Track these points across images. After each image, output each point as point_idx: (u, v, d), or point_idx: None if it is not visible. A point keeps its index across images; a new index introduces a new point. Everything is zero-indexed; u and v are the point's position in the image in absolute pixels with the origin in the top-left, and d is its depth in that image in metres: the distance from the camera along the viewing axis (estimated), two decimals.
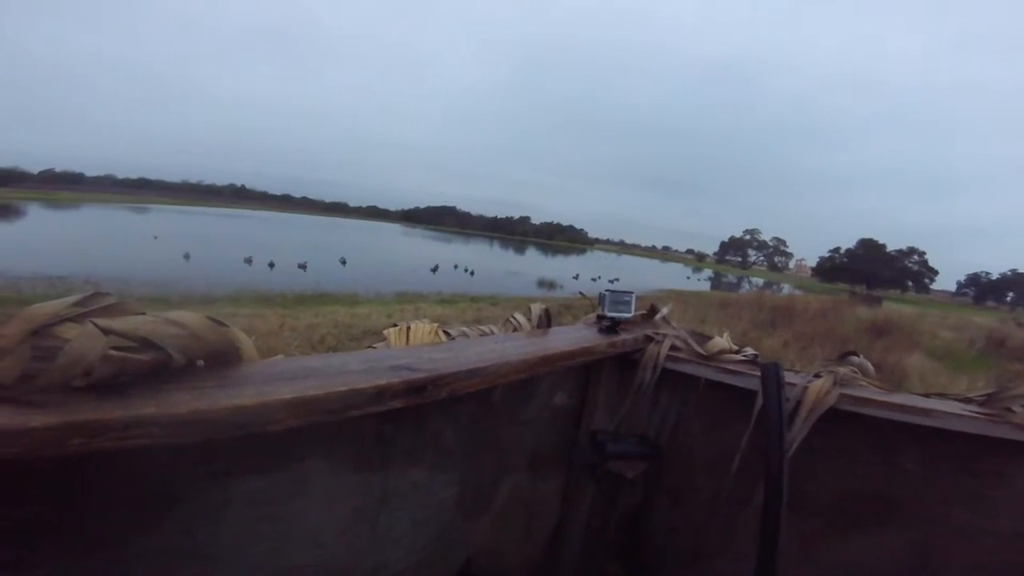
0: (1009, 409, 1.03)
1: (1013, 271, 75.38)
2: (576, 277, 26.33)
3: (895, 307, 24.84)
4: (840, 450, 1.14)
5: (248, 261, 17.36)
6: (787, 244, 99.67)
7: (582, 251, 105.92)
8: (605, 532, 1.42)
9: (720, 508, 1.27)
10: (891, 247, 72.97)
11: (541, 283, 20.40)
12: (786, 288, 54.84)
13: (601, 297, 1.35)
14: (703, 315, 11.70)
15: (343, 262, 20.44)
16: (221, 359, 0.67)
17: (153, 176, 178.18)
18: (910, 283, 71.35)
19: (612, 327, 1.33)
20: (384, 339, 1.13)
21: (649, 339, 1.36)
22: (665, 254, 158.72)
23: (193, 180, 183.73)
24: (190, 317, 0.62)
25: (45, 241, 19.27)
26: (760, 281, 69.09)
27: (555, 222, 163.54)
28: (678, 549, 1.38)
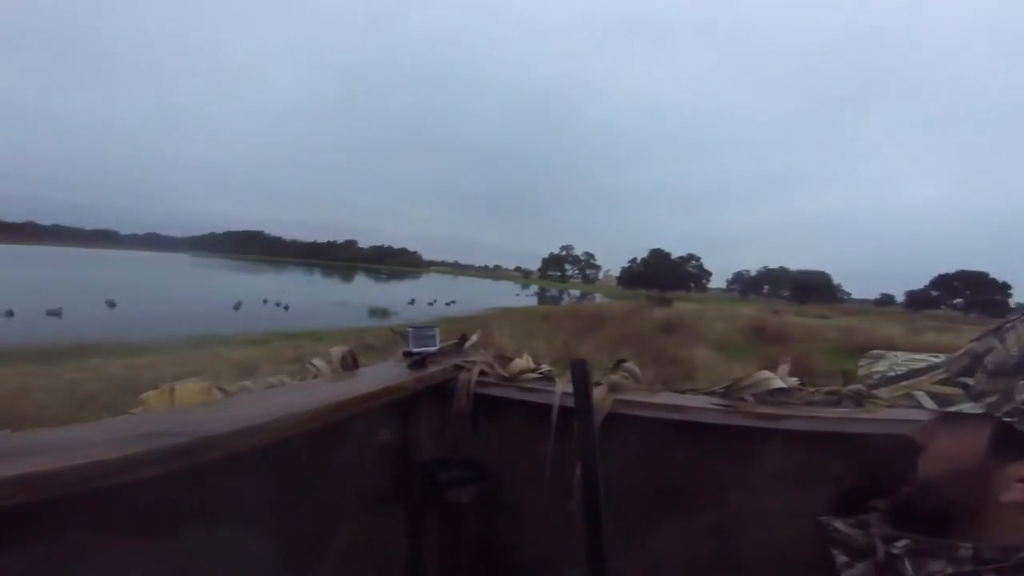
0: (742, 398, 1.32)
1: (766, 268, 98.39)
2: (412, 302, 26.04)
3: (682, 306, 30.20)
4: (626, 450, 1.33)
5: (55, 313, 13.38)
6: (595, 257, 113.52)
7: (416, 275, 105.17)
8: (456, 560, 1.45)
9: (551, 516, 1.35)
10: (675, 254, 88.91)
11: (373, 312, 19.66)
12: (598, 297, 62.36)
13: (405, 334, 1.38)
14: (530, 329, 12.62)
15: (111, 304, 16.82)
16: None
17: None
18: (692, 284, 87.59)
19: (420, 361, 1.36)
20: (143, 404, 0.96)
21: (459, 368, 1.43)
22: (496, 272, 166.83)
23: None
24: None
25: None
26: (576, 293, 77.39)
27: (386, 245, 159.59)
28: (524, 563, 1.46)
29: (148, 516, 0.74)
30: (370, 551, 1.24)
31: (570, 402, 1.32)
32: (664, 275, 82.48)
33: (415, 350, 1.36)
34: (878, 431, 1.20)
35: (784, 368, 1.52)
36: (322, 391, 1.06)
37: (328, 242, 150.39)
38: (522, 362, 1.49)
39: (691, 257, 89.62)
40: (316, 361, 1.28)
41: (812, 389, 1.43)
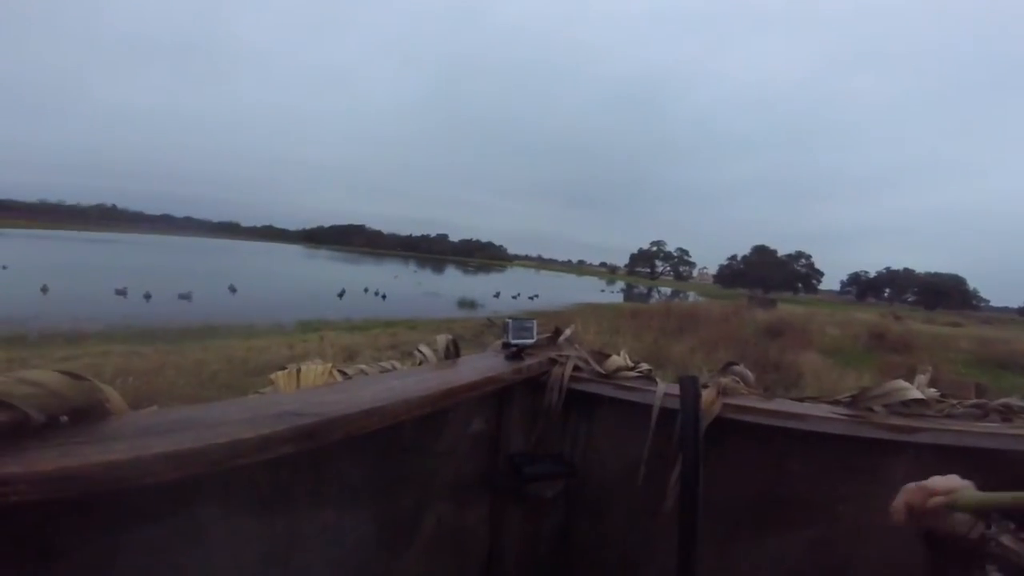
0: (871, 409, 1.20)
1: (888, 269, 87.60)
2: (497, 295, 26.62)
3: (788, 308, 27.86)
4: (731, 456, 1.26)
5: (122, 292, 15.56)
6: (690, 254, 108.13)
7: (502, 268, 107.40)
8: (535, 553, 1.46)
9: (637, 518, 1.35)
10: (781, 252, 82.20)
11: (462, 303, 20.37)
12: (691, 296, 59.44)
13: (505, 326, 1.42)
14: (617, 326, 12.34)
15: (232, 290, 18.94)
16: (86, 415, 0.65)
17: (3, 196, 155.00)
18: (800, 285, 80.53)
19: (517, 353, 1.39)
20: (271, 384, 1.08)
21: (553, 362, 1.44)
22: (580, 268, 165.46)
23: (52, 199, 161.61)
24: (45, 375, 0.61)
25: None
26: (668, 291, 74.29)
27: (474, 239, 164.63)
28: (604, 562, 1.45)
29: (267, 495, 0.81)
30: (454, 537, 1.27)
31: (671, 403, 1.28)
32: (769, 274, 76.50)
33: (513, 342, 1.40)
34: None
35: (923, 378, 1.35)
36: (429, 378, 1.11)
37: (423, 235, 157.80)
38: (619, 359, 1.46)
39: (800, 255, 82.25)
40: (423, 348, 1.35)
41: (954, 402, 1.26)
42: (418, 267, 71.05)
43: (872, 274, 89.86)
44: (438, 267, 77.79)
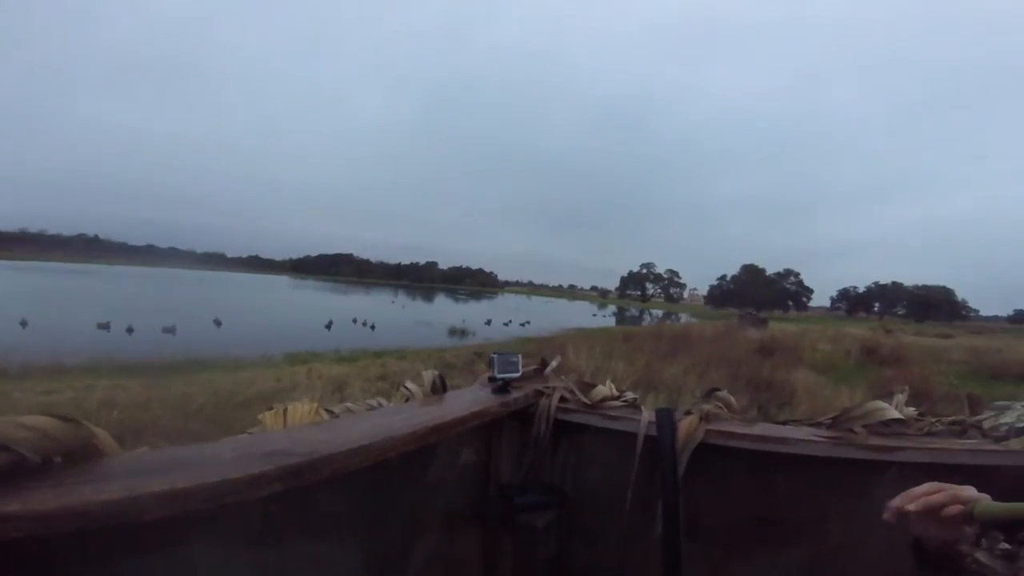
0: (851, 430, 1.24)
1: (876, 283, 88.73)
2: (488, 323, 26.61)
3: (779, 326, 28.10)
4: (718, 480, 1.30)
5: (104, 326, 15.34)
6: (680, 275, 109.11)
7: (493, 295, 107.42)
8: None
9: (628, 544, 1.38)
10: (770, 270, 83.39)
11: (452, 332, 20.31)
12: (683, 317, 59.75)
13: (491, 360, 1.46)
14: (610, 350, 12.36)
15: (218, 323, 18.73)
16: (79, 456, 0.68)
17: None
18: (790, 303, 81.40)
19: (504, 386, 1.43)
20: (260, 424, 1.10)
21: (540, 393, 1.48)
22: (572, 292, 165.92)
23: (33, 230, 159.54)
24: (39, 419, 0.64)
25: None
26: (659, 313, 74.73)
27: (464, 266, 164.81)
28: None
29: (257, 530, 0.83)
30: (447, 569, 1.29)
31: (655, 431, 1.32)
32: (758, 292, 77.36)
33: (499, 376, 1.44)
34: (1012, 463, 1.12)
35: (900, 397, 1.40)
36: (416, 415, 1.15)
37: (412, 263, 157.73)
38: (604, 389, 1.51)
39: (789, 272, 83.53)
40: (409, 384, 1.39)
41: (933, 419, 1.31)
42: (408, 296, 70.84)
43: (861, 289, 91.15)
44: (428, 295, 77.64)
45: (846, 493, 1.23)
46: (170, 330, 15.45)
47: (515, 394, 1.42)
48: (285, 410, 1.10)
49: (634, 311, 73.58)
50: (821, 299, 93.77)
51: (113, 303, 22.41)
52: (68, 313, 17.79)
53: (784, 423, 1.44)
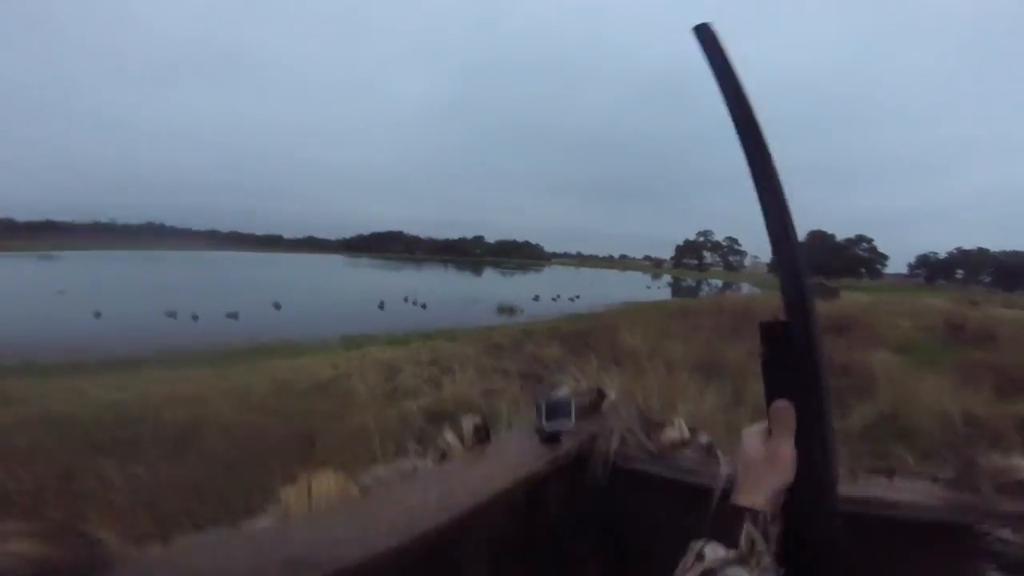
0: (978, 490, 1.03)
1: (959, 249, 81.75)
2: (536, 298, 26.53)
3: (852, 297, 26.43)
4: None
5: (171, 314, 16.39)
6: (740, 243, 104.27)
7: (540, 268, 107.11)
8: None
9: None
10: (840, 236, 78.14)
11: (501, 309, 20.37)
12: (744, 287, 57.40)
13: (538, 407, 1.29)
14: (665, 327, 11.98)
15: (277, 306, 19.61)
16: (84, 571, 0.63)
17: (59, 217, 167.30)
18: (863, 270, 76.38)
19: (554, 436, 1.27)
20: (281, 502, 1.01)
21: (595, 437, 1.31)
22: (623, 263, 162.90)
23: (104, 219, 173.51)
24: (30, 545, 0.59)
25: None
26: (718, 283, 72.08)
27: (511, 239, 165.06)
28: None
29: None
30: None
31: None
32: (827, 260, 72.96)
33: (548, 429, 1.26)
34: None
35: None
36: (455, 487, 1.03)
37: (459, 238, 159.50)
38: (674, 432, 1.31)
39: (861, 239, 77.93)
40: (448, 436, 1.25)
41: None
42: (456, 270, 71.88)
43: (942, 255, 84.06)
44: (476, 269, 78.47)
45: (967, 564, 1.04)
46: (233, 315, 16.34)
47: (567, 445, 1.27)
48: (309, 486, 1.00)
49: (690, 281, 71.35)
50: (897, 266, 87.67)
51: (179, 289, 23.94)
52: (139, 302, 19.12)
53: (889, 474, 1.21)
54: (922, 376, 7.44)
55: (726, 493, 1.15)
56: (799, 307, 0.68)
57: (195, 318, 15.91)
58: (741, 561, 0.61)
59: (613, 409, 1.46)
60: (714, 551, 0.62)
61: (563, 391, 1.36)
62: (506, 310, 20.16)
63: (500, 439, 1.32)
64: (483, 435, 1.27)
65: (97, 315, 15.98)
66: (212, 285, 28.78)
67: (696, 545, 0.64)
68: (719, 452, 1.26)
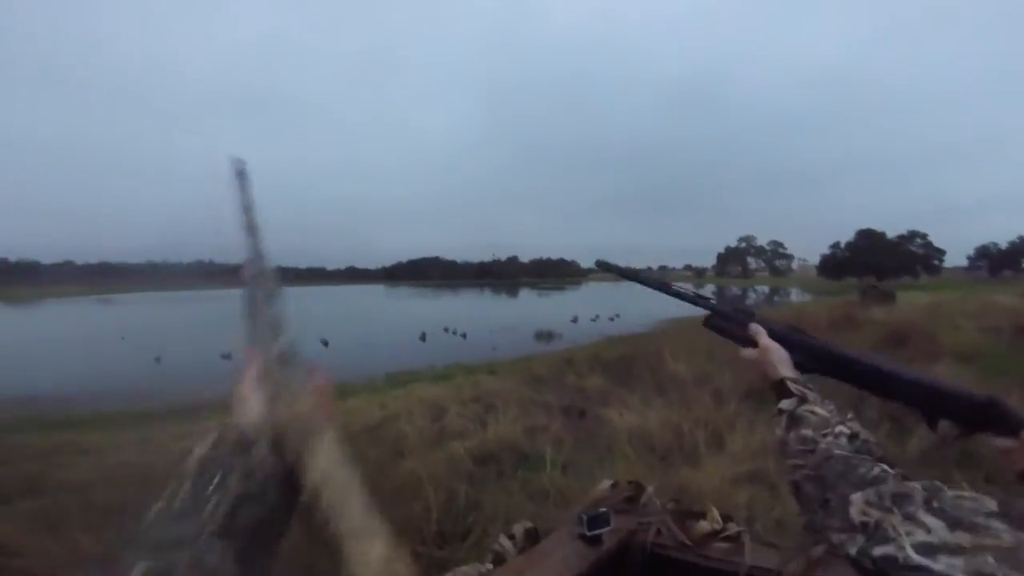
0: None
1: (1021, 237, 76.35)
2: (575, 320, 26.42)
3: (909, 297, 25.07)
4: None
5: (227, 356, 17.20)
6: (785, 246, 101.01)
7: (577, 284, 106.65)
8: None
9: None
10: (891, 233, 74.51)
11: (539, 336, 20.41)
12: (793, 293, 55.32)
13: (579, 519, 1.42)
14: (711, 348, 11.73)
15: (325, 343, 20.29)
16: None
17: (114, 259, 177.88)
18: (919, 267, 72.36)
19: (596, 538, 1.39)
20: None
21: (633, 532, 1.43)
22: (663, 274, 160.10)
23: (157, 260, 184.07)
24: None
25: (5, 350, 19.31)
26: (765, 289, 69.76)
27: (545, 258, 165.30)
28: None
29: None
30: None
31: (758, 573, 1.23)
32: (879, 259, 69.49)
33: (589, 534, 1.40)
34: None
35: None
36: None
37: (494, 260, 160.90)
38: (706, 525, 1.42)
39: (914, 235, 73.98)
40: (503, 541, 1.40)
41: None
42: (493, 293, 72.37)
43: (1003, 245, 78.55)
44: (512, 291, 78.78)
45: None
46: None
47: (608, 543, 1.39)
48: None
49: (735, 289, 69.32)
50: (956, 259, 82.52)
51: (232, 330, 25.06)
52: (195, 344, 20.15)
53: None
54: (990, 389, 7.02)
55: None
56: None
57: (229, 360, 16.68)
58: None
59: (651, 502, 1.58)
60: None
61: (602, 504, 1.48)
62: (544, 336, 20.15)
63: (548, 541, 1.45)
64: (533, 537, 1.41)
65: (157, 360, 16.94)
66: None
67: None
68: (747, 540, 1.36)
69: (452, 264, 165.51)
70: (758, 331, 0.91)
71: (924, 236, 73.83)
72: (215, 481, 0.57)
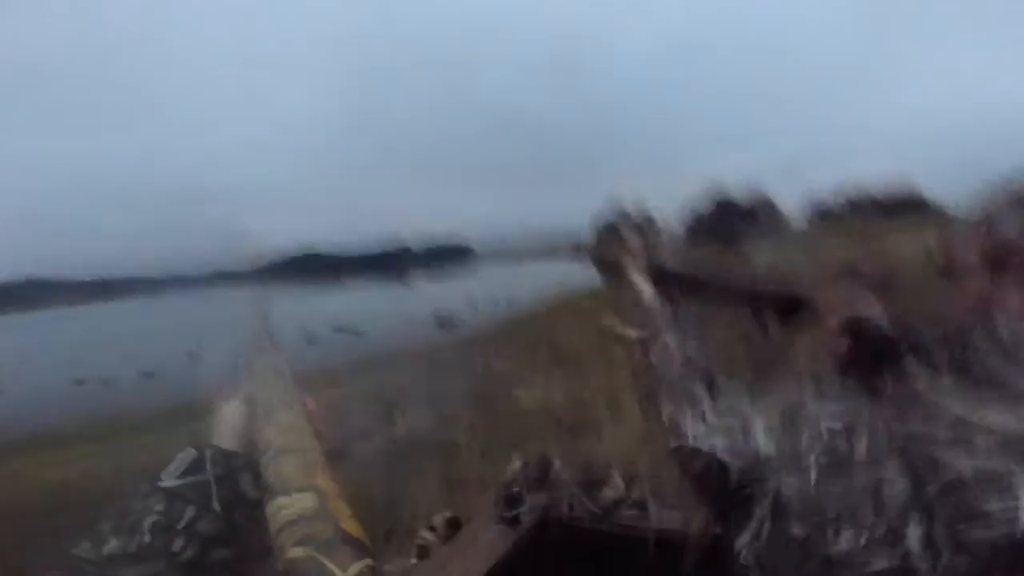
0: None
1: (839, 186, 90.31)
2: (472, 304, 26.57)
3: (761, 256, 28.44)
4: None
5: (80, 382, 15.32)
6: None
7: (474, 269, 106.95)
8: None
9: None
10: (739, 197, 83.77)
11: (440, 322, 20.27)
12: None
13: (495, 502, 1.46)
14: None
15: (194, 357, 18.46)
16: None
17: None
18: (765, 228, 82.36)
19: (516, 518, 1.44)
20: None
21: (547, 508, 1.50)
22: (552, 248, 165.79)
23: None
24: None
25: None
26: None
27: (437, 245, 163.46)
28: None
29: None
30: None
31: (668, 534, 1.37)
32: (731, 223, 78.02)
33: (508, 515, 1.42)
34: None
35: None
36: None
37: (382, 252, 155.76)
38: (611, 492, 1.52)
39: (757, 195, 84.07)
40: (425, 533, 1.42)
41: None
42: (385, 284, 70.29)
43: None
44: (405, 281, 77.10)
45: None
46: (149, 375, 15.19)
47: (526, 522, 1.45)
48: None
49: None
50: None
51: (80, 350, 21.88)
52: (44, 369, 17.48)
53: None
54: None
55: (658, 540, 1.37)
56: None
57: (106, 383, 14.78)
58: None
59: (559, 476, 1.66)
60: None
61: (515, 484, 1.52)
62: (445, 323, 20.10)
63: (469, 528, 1.48)
64: (455, 525, 1.43)
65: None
66: (117, 340, 26.47)
67: None
68: (650, 504, 1.49)
69: (336, 258, 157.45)
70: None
71: (768, 199, 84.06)
72: (185, 518, 0.50)
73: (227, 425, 0.58)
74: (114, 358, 17.39)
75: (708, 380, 0.81)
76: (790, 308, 0.90)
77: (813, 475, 0.57)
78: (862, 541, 0.53)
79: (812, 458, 0.58)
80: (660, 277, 0.97)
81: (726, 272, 0.93)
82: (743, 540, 0.59)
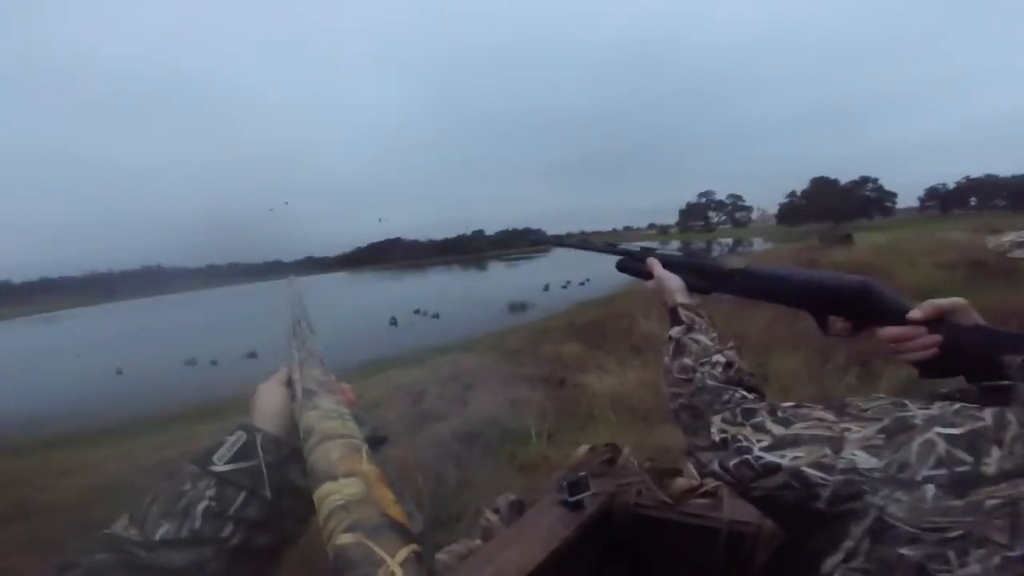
0: None
1: (967, 178, 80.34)
2: (546, 288, 26.61)
3: (869, 238, 26.18)
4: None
5: (191, 363, 16.68)
6: (744, 198, 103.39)
7: (546, 251, 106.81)
8: None
9: None
10: (844, 180, 77.14)
11: (512, 307, 20.45)
12: (756, 243, 56.95)
13: (559, 487, 1.46)
14: None
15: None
16: None
17: (55, 274, 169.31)
18: (874, 210, 75.43)
19: (578, 504, 1.43)
20: None
21: (614, 495, 1.46)
22: (628, 234, 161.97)
23: (101, 270, 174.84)
24: None
25: None
26: (728, 241, 71.58)
27: (511, 228, 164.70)
28: None
29: None
30: None
31: (739, 527, 1.28)
32: (834, 205, 72.14)
33: (571, 500, 1.43)
34: None
35: None
36: (502, 566, 1.19)
37: (458, 236, 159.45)
38: (683, 481, 1.46)
39: (865, 180, 76.89)
40: (489, 515, 1.43)
41: None
42: (461, 269, 71.98)
43: (951, 186, 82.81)
44: (481, 265, 78.53)
45: None
46: (252, 355, 16.50)
47: (590, 508, 1.42)
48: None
49: (701, 244, 70.80)
50: (909, 200, 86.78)
51: (193, 333, 24.28)
52: (156, 353, 19.51)
53: None
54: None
55: (731, 533, 1.29)
56: None
57: (214, 363, 16.18)
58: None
59: (628, 463, 1.61)
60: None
61: (581, 469, 1.50)
62: (517, 308, 20.23)
63: (532, 511, 1.48)
64: (519, 508, 1.43)
65: (119, 372, 16.33)
66: (222, 325, 29.08)
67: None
68: (724, 494, 1.41)
69: (415, 243, 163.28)
70: (653, 263, 0.97)
71: (875, 180, 76.82)
72: (236, 504, 0.51)
73: (267, 407, 0.59)
74: (222, 341, 19.02)
75: (751, 387, 0.76)
76: (858, 306, 0.82)
77: (930, 491, 0.52)
78: (995, 561, 0.48)
79: (925, 472, 0.53)
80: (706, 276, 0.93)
81: (786, 271, 0.86)
82: (833, 561, 0.56)
